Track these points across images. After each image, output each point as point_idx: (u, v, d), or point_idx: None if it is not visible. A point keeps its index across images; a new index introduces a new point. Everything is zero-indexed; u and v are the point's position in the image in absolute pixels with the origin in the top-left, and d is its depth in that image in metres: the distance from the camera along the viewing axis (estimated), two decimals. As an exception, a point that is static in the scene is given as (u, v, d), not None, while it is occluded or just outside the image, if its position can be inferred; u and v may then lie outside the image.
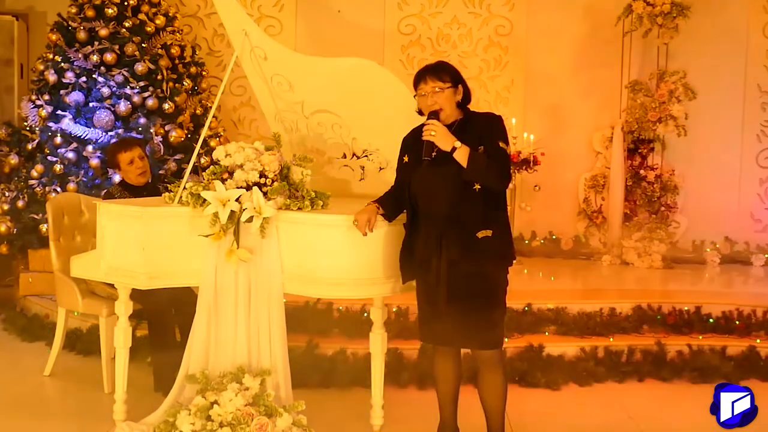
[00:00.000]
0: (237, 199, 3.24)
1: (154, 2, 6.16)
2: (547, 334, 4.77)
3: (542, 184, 6.95)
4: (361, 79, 3.62)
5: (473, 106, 3.20)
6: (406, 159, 3.15)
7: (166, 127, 5.80)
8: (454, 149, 2.92)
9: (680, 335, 4.81)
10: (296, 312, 4.57)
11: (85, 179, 5.55)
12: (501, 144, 2.99)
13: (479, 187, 2.96)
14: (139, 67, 5.79)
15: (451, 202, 2.98)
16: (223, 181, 3.31)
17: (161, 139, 5.72)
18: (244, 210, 3.23)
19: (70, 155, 5.56)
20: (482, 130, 3.01)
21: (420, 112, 3.17)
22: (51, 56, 5.86)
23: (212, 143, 5.97)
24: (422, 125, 3.18)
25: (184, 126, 5.96)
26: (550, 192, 7.12)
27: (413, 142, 3.15)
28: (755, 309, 4.98)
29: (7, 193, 5.68)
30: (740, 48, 7.13)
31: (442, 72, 3.07)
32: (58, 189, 5.47)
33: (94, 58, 5.77)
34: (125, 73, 5.77)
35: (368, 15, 7.26)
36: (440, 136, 2.95)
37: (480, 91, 6.97)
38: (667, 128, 6.61)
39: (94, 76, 5.75)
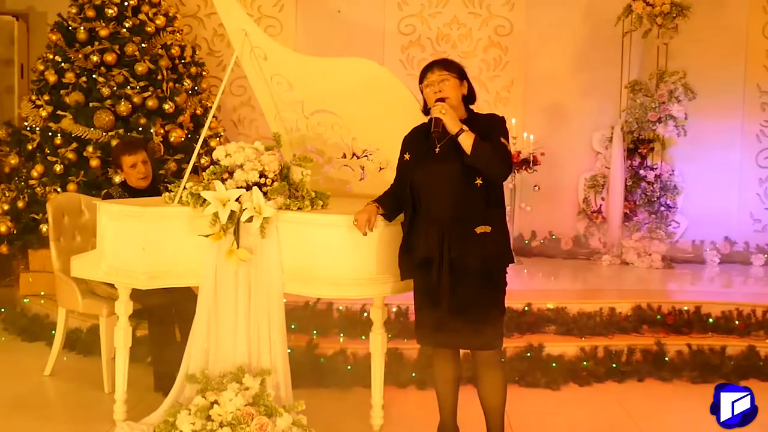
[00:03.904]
0: (237, 199, 3.25)
1: (155, 2, 6.16)
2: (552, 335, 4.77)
3: (542, 184, 6.95)
4: (361, 79, 3.62)
5: (473, 107, 3.22)
6: (407, 157, 3.16)
7: (166, 127, 5.80)
8: (460, 132, 2.95)
9: (680, 335, 4.81)
10: (296, 312, 4.58)
11: (85, 179, 5.55)
12: (503, 140, 3.02)
13: (480, 182, 2.97)
14: (140, 68, 5.78)
15: (454, 199, 2.98)
16: (223, 181, 3.31)
17: (161, 139, 5.72)
18: (244, 210, 3.23)
19: (71, 155, 5.56)
20: (485, 128, 3.03)
21: (425, 112, 3.19)
22: (51, 56, 5.86)
23: (212, 143, 5.98)
24: (423, 124, 3.21)
25: (184, 126, 5.96)
26: (550, 192, 7.12)
27: (414, 140, 3.17)
28: (755, 309, 4.98)
29: (7, 193, 5.68)
30: (740, 48, 7.13)
31: (448, 64, 3.15)
32: (58, 189, 5.47)
33: (95, 58, 5.76)
34: (125, 73, 5.77)
35: (368, 15, 7.27)
36: (449, 116, 2.98)
37: (480, 91, 6.83)
38: (667, 128, 6.62)
39: (94, 76, 5.75)
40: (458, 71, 3.13)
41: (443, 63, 3.14)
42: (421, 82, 3.16)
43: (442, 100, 3.04)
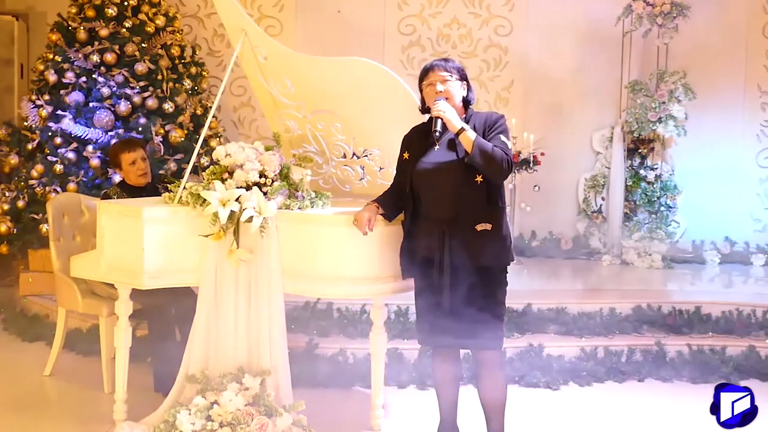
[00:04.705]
0: (237, 199, 3.25)
1: (154, 2, 6.15)
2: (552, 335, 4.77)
3: (542, 184, 6.96)
4: (361, 79, 3.62)
5: (474, 107, 3.22)
6: (406, 155, 3.16)
7: (167, 127, 5.80)
8: (461, 131, 2.95)
9: (680, 335, 4.82)
10: (296, 312, 4.58)
11: (85, 179, 5.54)
12: (503, 138, 3.02)
13: (481, 180, 2.97)
14: (139, 67, 5.79)
15: (454, 197, 2.98)
16: (223, 181, 3.31)
17: (161, 139, 5.72)
18: (244, 210, 3.23)
19: (70, 155, 5.56)
20: (485, 126, 3.04)
21: (423, 111, 3.19)
22: (51, 56, 5.86)
23: (212, 143, 5.97)
24: (423, 123, 3.21)
25: (184, 126, 5.96)
26: (550, 192, 7.12)
27: (414, 139, 3.17)
28: (755, 309, 4.99)
29: (7, 193, 5.68)
30: (740, 48, 7.14)
31: (449, 64, 3.14)
32: (58, 189, 5.47)
33: (94, 58, 5.76)
34: (125, 73, 5.77)
35: (368, 15, 7.27)
36: (450, 115, 2.98)
37: (480, 91, 6.97)
38: (667, 128, 6.62)
39: (94, 76, 5.74)
40: (459, 72, 3.13)
41: (445, 63, 3.14)
42: (421, 81, 3.16)
43: (442, 98, 3.04)
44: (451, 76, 3.09)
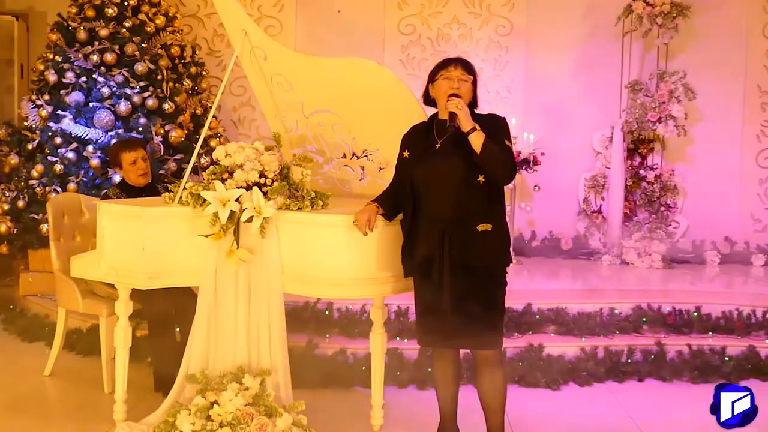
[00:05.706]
0: (237, 199, 3.25)
1: (154, 2, 6.15)
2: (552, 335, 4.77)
3: (542, 184, 6.94)
4: (361, 79, 3.62)
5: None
6: (406, 154, 3.16)
7: (166, 127, 5.80)
8: (472, 130, 2.95)
9: (680, 335, 4.81)
10: (296, 312, 4.58)
11: (85, 179, 5.55)
12: (507, 142, 3.03)
13: (483, 180, 2.97)
14: (139, 67, 5.78)
15: (455, 196, 2.98)
16: (223, 181, 3.31)
17: (161, 139, 5.72)
18: (244, 210, 3.23)
19: (70, 155, 5.56)
20: (488, 129, 3.03)
21: (426, 102, 3.22)
22: (51, 56, 5.86)
23: (212, 143, 5.98)
24: (422, 122, 3.21)
25: (184, 126, 5.96)
26: (550, 192, 7.11)
27: (414, 138, 3.18)
28: (755, 309, 4.98)
29: (7, 193, 5.68)
30: (740, 48, 7.14)
31: (470, 66, 3.17)
32: (58, 189, 5.47)
33: (94, 58, 5.76)
34: (125, 73, 5.77)
35: (368, 15, 7.27)
36: (464, 113, 2.99)
37: (480, 91, 6.90)
38: (667, 128, 6.62)
39: (94, 76, 5.74)
40: (475, 76, 3.16)
41: (467, 64, 3.15)
42: (437, 71, 3.14)
43: (456, 96, 3.04)
44: (468, 77, 3.11)
